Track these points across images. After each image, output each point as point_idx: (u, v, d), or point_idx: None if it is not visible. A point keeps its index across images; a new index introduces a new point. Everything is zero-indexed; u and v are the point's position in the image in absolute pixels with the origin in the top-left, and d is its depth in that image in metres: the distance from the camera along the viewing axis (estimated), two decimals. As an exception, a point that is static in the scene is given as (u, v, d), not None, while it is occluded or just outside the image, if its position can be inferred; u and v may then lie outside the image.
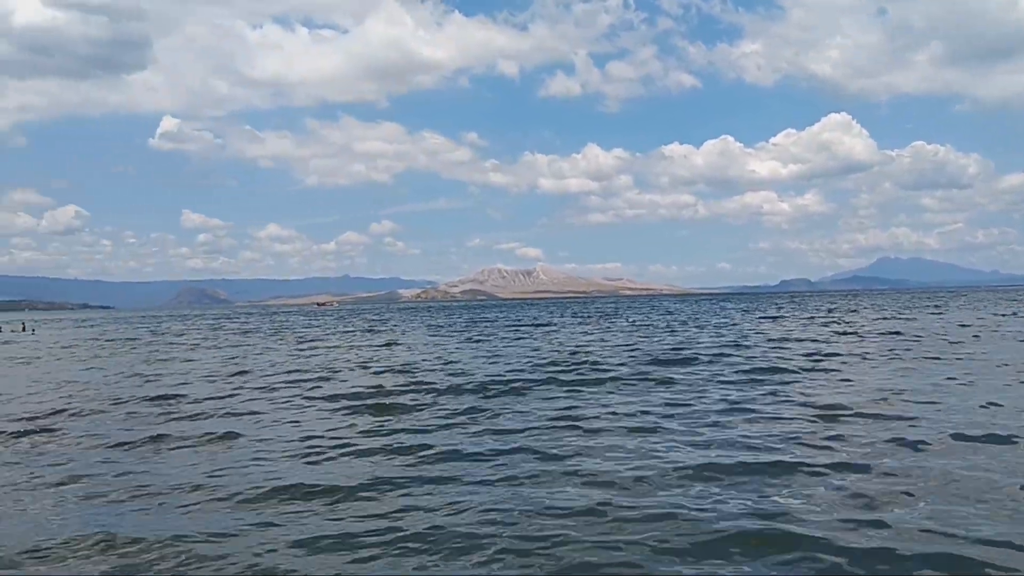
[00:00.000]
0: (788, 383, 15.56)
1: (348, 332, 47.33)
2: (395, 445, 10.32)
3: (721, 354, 22.31)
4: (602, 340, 31.20)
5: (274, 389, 17.07)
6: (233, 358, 27.17)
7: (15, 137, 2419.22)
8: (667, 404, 13.15)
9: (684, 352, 23.40)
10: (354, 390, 16.15)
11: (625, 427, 11.15)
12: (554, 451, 9.59)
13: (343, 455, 9.86)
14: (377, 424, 12.14)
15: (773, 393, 14.14)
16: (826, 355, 21.14)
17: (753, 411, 12.17)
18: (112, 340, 45.51)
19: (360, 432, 11.49)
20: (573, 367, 19.73)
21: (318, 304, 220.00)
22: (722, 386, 15.33)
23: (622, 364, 20.20)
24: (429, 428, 11.65)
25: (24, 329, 72.13)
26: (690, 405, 13.00)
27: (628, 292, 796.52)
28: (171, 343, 40.21)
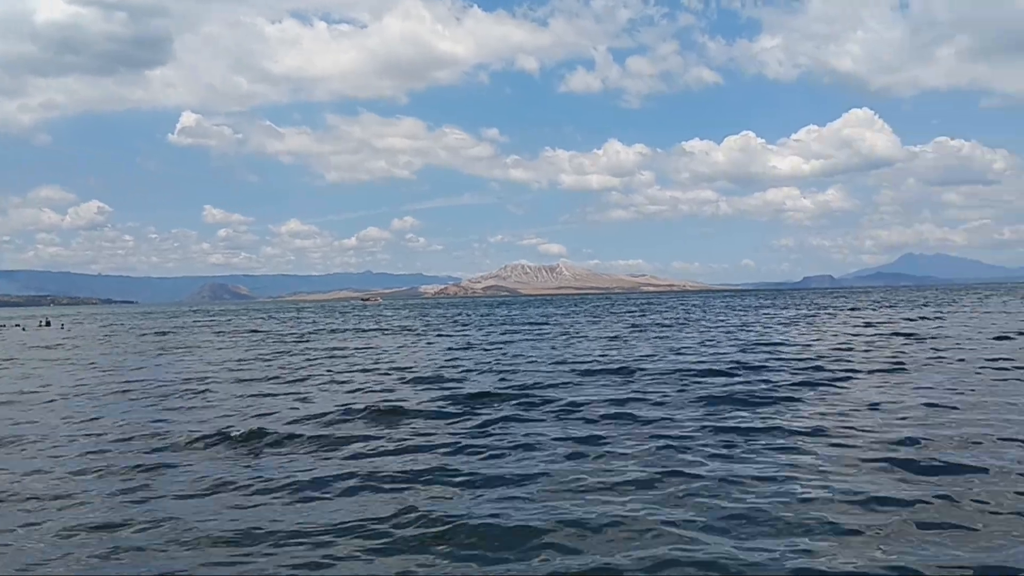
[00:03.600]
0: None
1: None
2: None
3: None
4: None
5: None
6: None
7: (39, 134, 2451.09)
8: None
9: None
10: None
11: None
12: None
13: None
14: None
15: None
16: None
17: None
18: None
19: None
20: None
21: (363, 299, 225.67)
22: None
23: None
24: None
25: (44, 324, 72.19)
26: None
27: (650, 288, 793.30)
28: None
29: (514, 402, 14.01)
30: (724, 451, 9.58)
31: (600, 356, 22.82)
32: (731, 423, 11.54)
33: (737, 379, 16.73)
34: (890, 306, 66.10)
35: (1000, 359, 18.70)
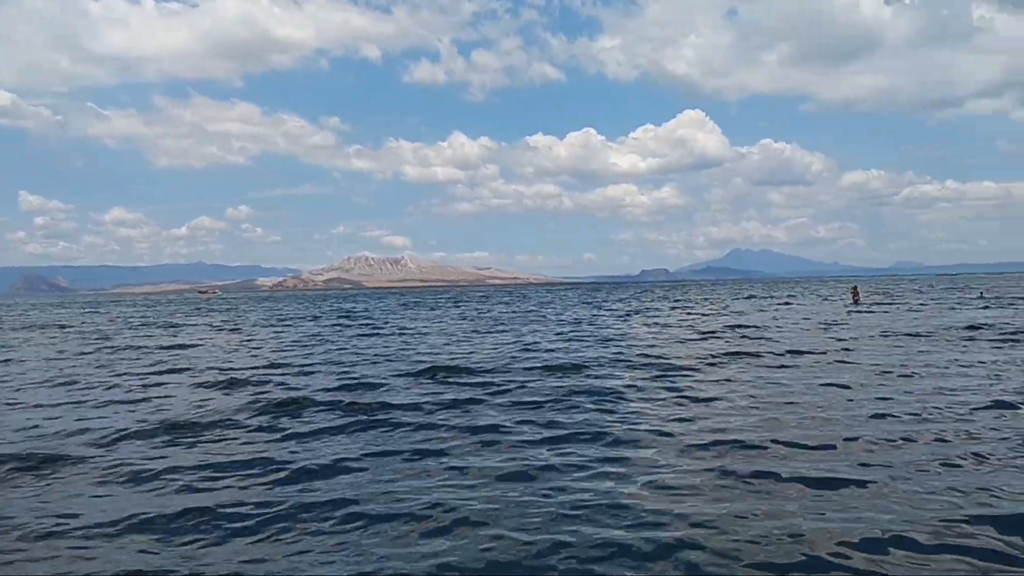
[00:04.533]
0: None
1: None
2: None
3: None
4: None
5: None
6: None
7: None
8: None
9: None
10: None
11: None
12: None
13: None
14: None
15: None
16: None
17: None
18: None
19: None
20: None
21: (200, 292, 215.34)
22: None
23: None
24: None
25: None
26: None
27: (496, 281, 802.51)
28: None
29: (328, 410, 12.23)
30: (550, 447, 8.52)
31: (436, 354, 21.38)
32: (559, 419, 10.51)
33: (582, 373, 15.87)
34: (719, 298, 68.95)
35: (809, 352, 19.00)
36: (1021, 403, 11.10)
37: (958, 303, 45.97)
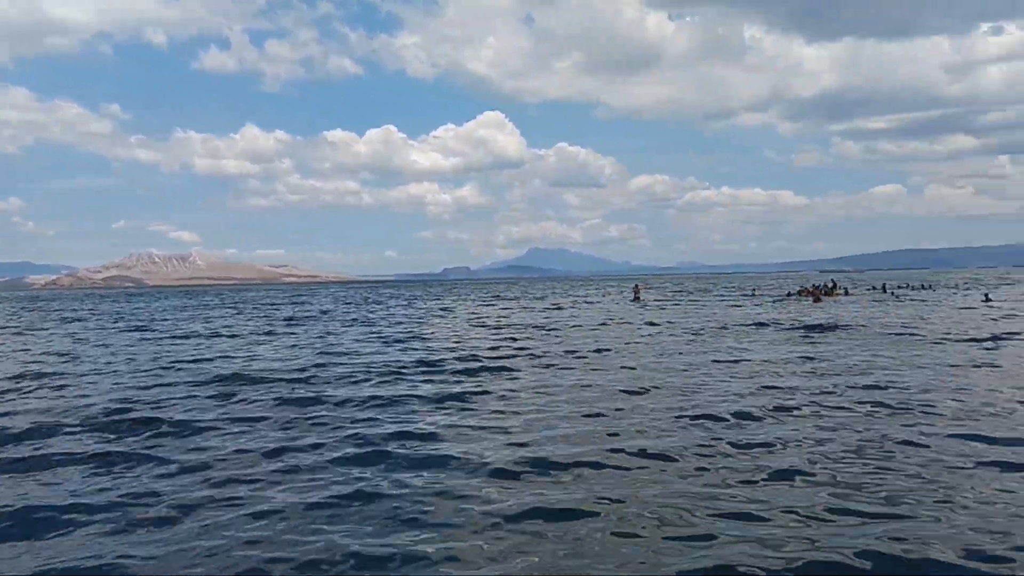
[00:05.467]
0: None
1: None
2: None
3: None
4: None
5: None
6: None
7: None
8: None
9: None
10: None
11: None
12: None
13: None
14: None
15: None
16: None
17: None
18: None
19: None
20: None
21: None
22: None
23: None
24: None
25: None
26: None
27: (292, 280, 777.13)
28: None
29: (77, 435, 10.88)
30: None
31: (217, 359, 19.99)
32: (371, 429, 9.91)
33: (399, 378, 15.10)
34: (521, 296, 70.47)
35: (604, 350, 19.66)
36: (763, 408, 11.91)
37: (720, 300, 49.69)
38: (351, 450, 9.40)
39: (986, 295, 44.26)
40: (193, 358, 20.91)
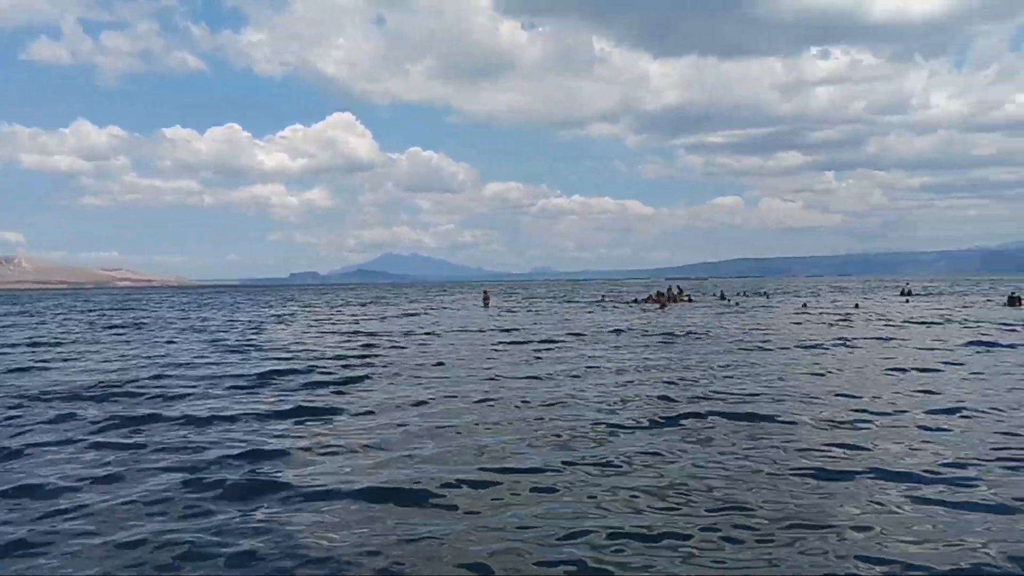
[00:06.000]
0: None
1: None
2: None
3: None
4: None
5: None
6: None
7: None
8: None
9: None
10: None
11: None
12: None
13: None
14: None
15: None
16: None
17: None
18: None
19: None
20: None
21: None
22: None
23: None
24: None
25: None
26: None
27: (127, 284, 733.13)
28: None
29: None
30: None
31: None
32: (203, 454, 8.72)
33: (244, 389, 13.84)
34: (372, 302, 69.07)
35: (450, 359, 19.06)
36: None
37: (572, 306, 50.48)
38: (177, 476, 8.26)
39: (804, 304, 50.16)
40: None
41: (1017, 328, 26.93)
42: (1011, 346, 20.64)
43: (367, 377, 16.31)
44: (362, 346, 23.98)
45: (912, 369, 16.30)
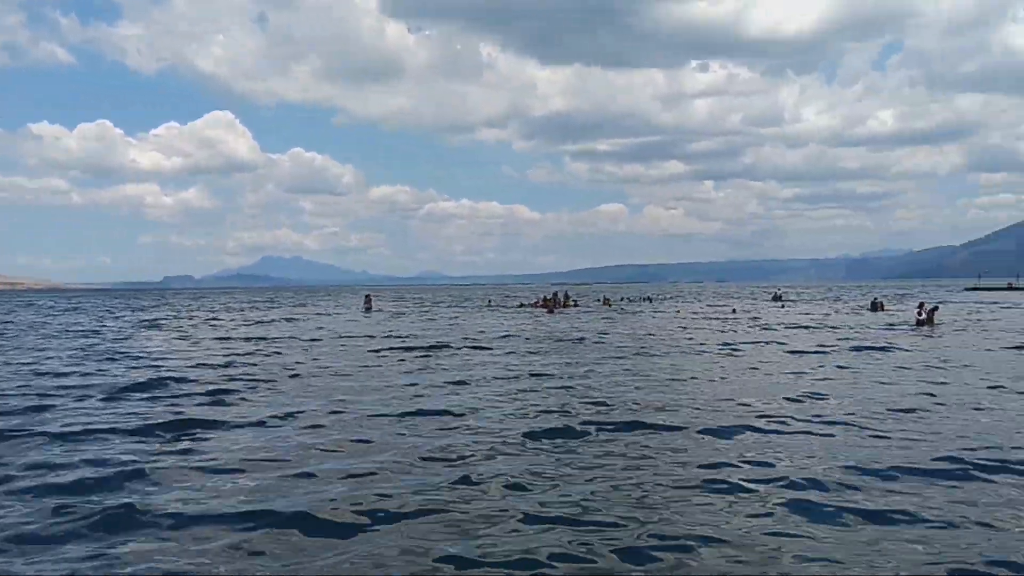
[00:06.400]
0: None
1: None
2: None
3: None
4: None
5: None
6: None
7: None
8: None
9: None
10: None
11: None
12: None
13: None
14: None
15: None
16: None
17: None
18: None
19: None
20: None
21: None
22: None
23: None
24: None
25: None
26: None
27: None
28: None
29: None
30: None
31: None
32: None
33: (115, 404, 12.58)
34: (248, 307, 66.56)
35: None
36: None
37: (460, 310, 50.17)
38: (35, 504, 7.33)
39: (678, 310, 53.82)
40: None
41: (883, 331, 28.54)
42: (882, 349, 21.80)
43: (245, 388, 15.31)
44: (231, 354, 22.68)
45: (789, 373, 16.85)
